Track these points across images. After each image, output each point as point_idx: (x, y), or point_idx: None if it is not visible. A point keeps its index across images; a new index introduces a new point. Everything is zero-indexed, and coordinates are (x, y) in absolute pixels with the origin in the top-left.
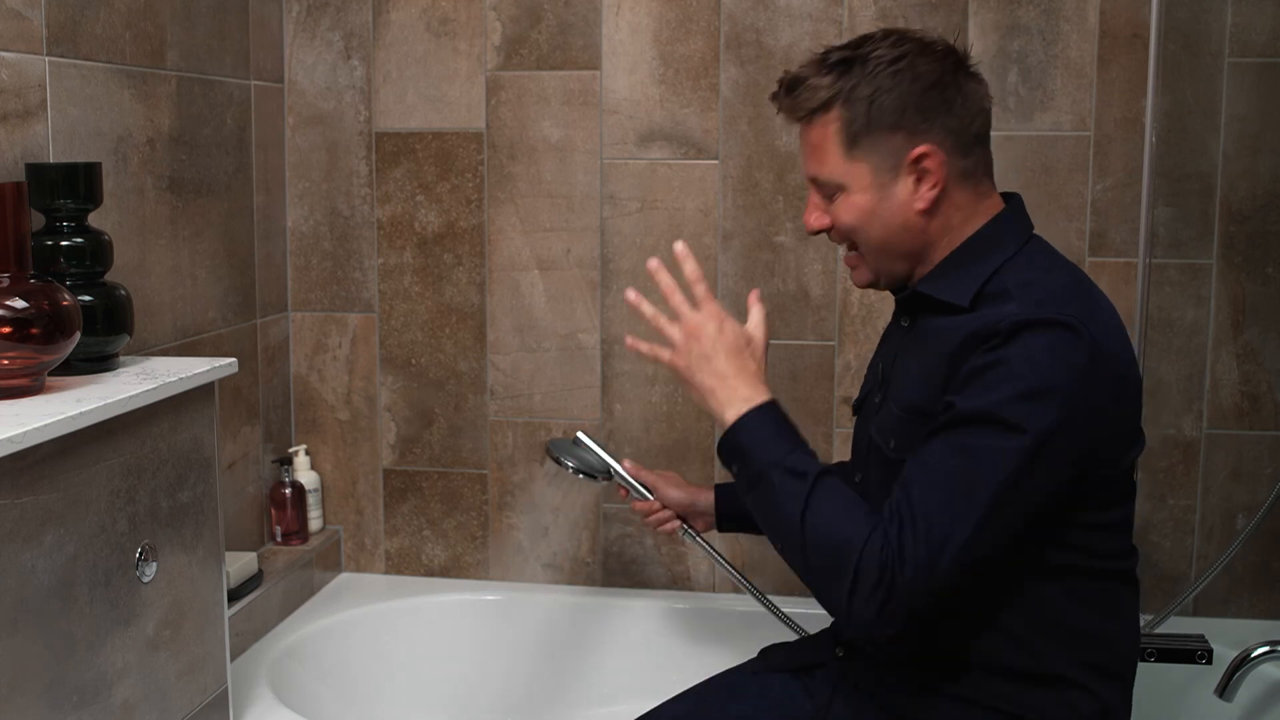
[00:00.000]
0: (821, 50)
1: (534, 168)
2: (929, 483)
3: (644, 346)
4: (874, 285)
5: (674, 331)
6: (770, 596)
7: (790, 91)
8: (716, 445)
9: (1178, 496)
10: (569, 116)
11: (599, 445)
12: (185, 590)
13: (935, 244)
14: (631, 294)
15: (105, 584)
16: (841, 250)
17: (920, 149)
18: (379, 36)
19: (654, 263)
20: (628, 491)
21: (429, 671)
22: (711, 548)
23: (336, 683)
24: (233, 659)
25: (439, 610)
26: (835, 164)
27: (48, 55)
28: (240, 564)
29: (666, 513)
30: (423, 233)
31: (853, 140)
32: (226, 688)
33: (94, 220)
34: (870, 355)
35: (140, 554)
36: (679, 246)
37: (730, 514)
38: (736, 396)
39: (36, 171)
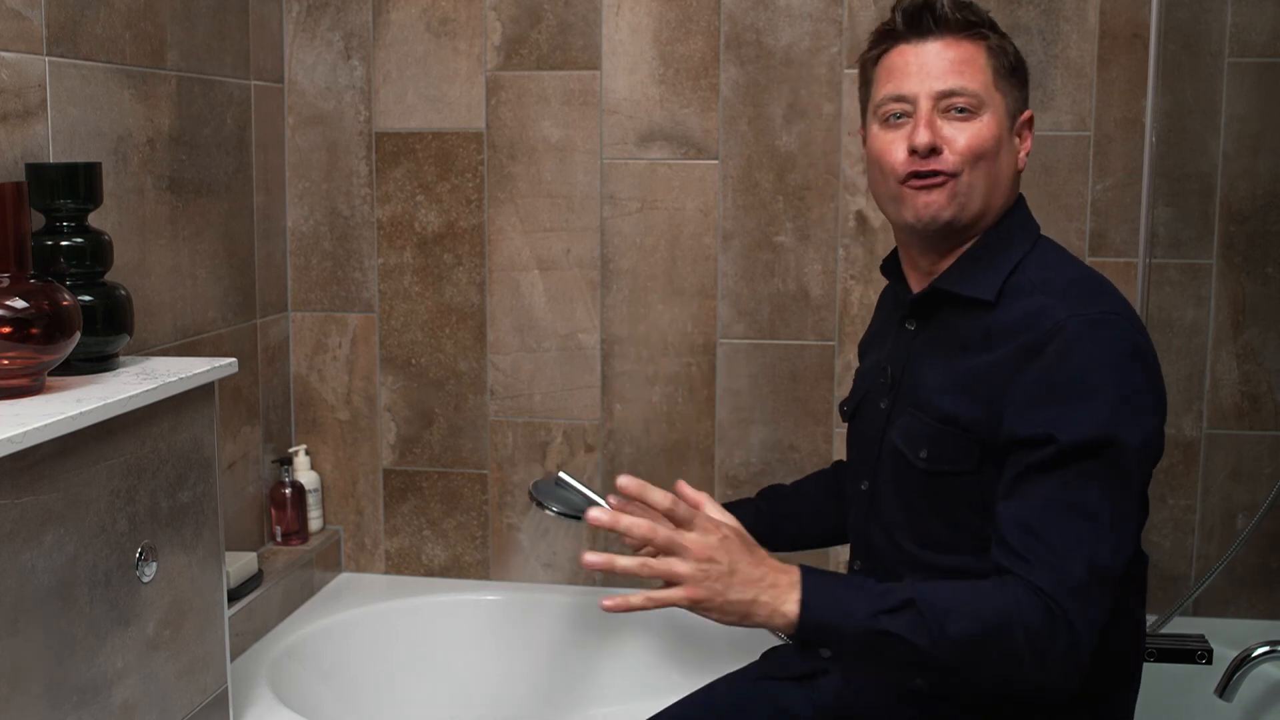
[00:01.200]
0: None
1: (534, 168)
2: (1054, 515)
3: (636, 599)
4: (940, 225)
5: (681, 567)
6: None
7: (961, 2)
8: (795, 640)
9: (1178, 496)
10: (569, 116)
11: (582, 484)
12: (185, 590)
13: (988, 216)
14: (592, 557)
15: (105, 584)
16: (882, 188)
17: (1030, 112)
18: (379, 36)
19: (614, 519)
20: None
21: (429, 671)
22: None
23: (336, 683)
24: (233, 659)
25: (439, 610)
26: (983, 83)
27: (48, 55)
28: (240, 564)
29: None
30: (423, 233)
31: (998, 72)
32: (226, 688)
33: (94, 220)
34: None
35: (140, 554)
36: (624, 481)
37: None
38: (780, 588)
39: (36, 171)
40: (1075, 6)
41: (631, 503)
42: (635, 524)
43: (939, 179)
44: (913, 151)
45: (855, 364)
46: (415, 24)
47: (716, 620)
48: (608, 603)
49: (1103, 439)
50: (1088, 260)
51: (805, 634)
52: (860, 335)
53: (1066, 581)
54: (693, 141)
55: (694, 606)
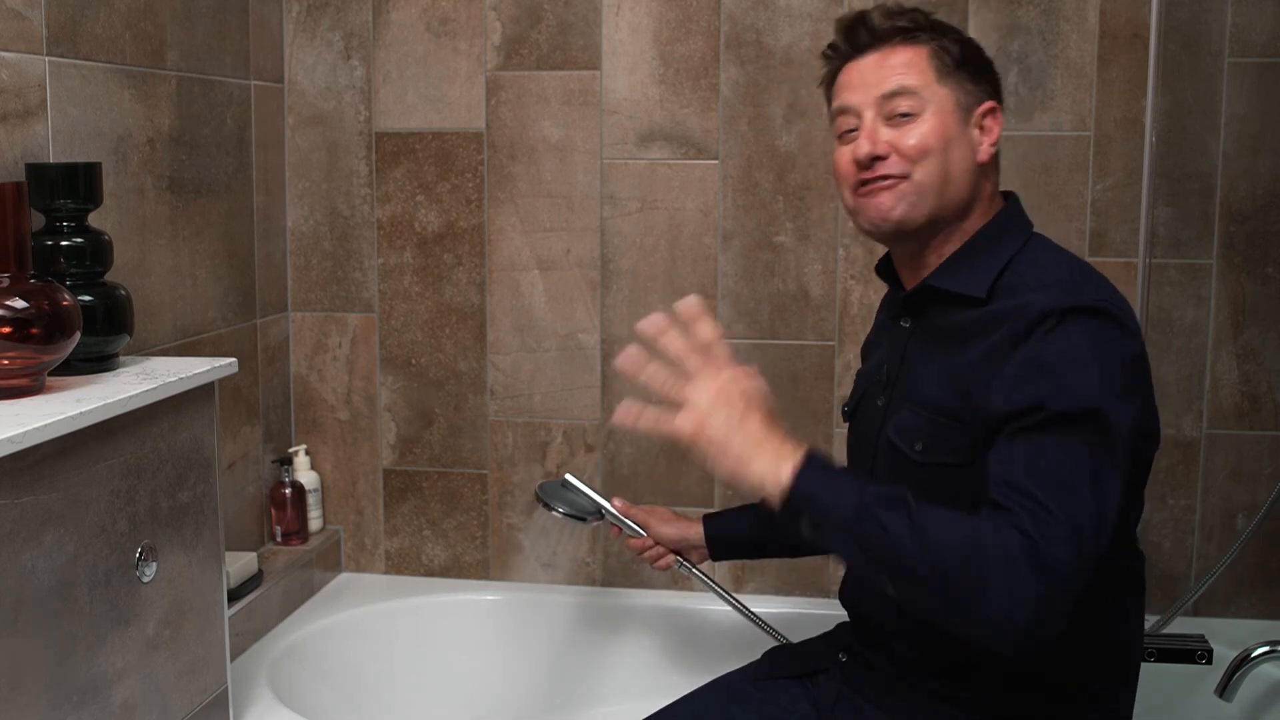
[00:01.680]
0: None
1: (534, 168)
2: (1039, 472)
3: (648, 417)
4: (892, 225)
5: (695, 395)
6: (771, 596)
7: (892, 12)
8: (781, 507)
9: (1178, 496)
10: (569, 116)
11: (588, 486)
12: (185, 590)
13: (959, 221)
14: (630, 356)
15: (105, 584)
16: (837, 197)
17: (991, 103)
18: (379, 36)
19: (654, 322)
20: (620, 530)
21: (429, 671)
22: (710, 579)
23: (336, 683)
24: (233, 659)
25: (439, 610)
26: (922, 81)
27: (48, 55)
28: (240, 564)
29: (660, 548)
30: (423, 233)
31: (942, 70)
32: (226, 688)
33: (94, 220)
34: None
35: (140, 554)
36: (689, 303)
37: (723, 543)
38: (783, 453)
39: (36, 171)
40: (1075, 6)
41: (635, 507)
42: (655, 373)
43: (887, 182)
44: (857, 163)
45: (855, 364)
46: (415, 24)
47: (715, 464)
48: (622, 412)
49: (1091, 410)
50: (1087, 261)
51: (792, 501)
52: (860, 335)
53: (1051, 532)
54: (693, 141)
55: (696, 440)
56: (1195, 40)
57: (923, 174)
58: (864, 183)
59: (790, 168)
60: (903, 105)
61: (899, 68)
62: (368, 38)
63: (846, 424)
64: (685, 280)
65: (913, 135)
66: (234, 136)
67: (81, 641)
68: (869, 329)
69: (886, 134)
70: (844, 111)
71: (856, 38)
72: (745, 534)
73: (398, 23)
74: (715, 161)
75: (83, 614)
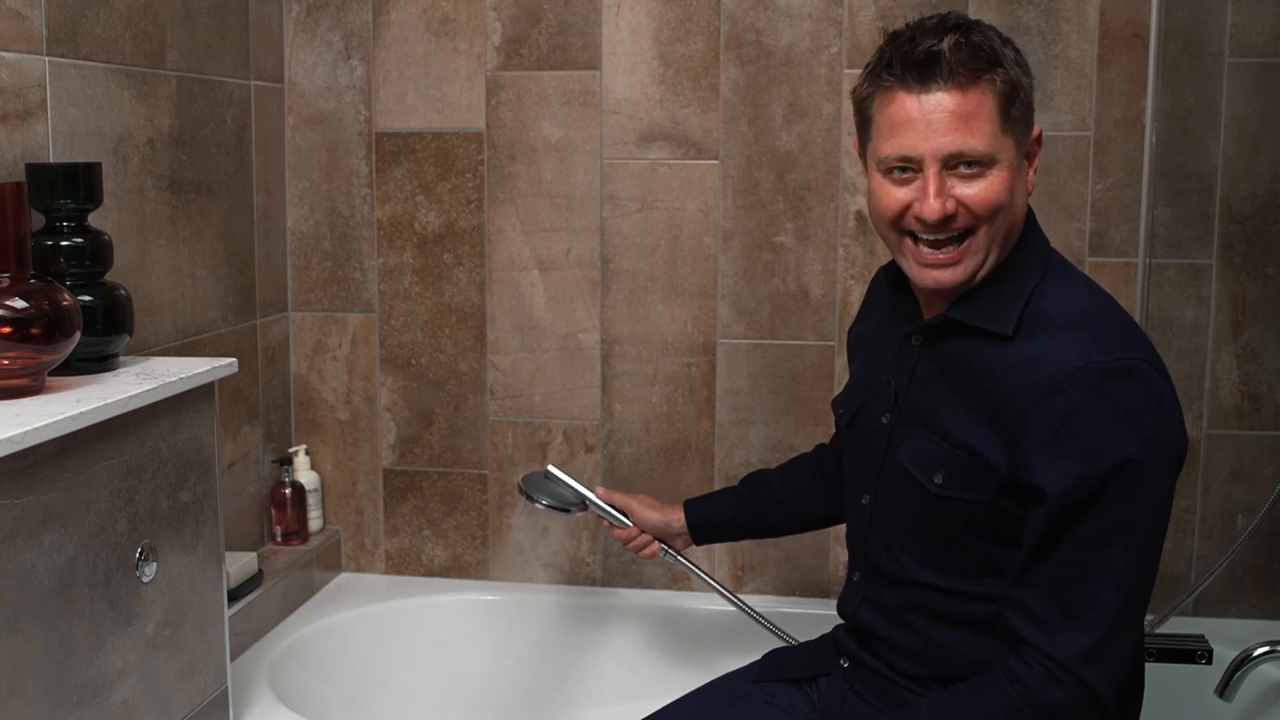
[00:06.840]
0: (920, 19)
1: (534, 168)
2: (1070, 582)
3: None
4: (952, 288)
5: None
6: (772, 596)
7: (965, 46)
8: None
9: (1178, 496)
10: (569, 116)
11: (571, 476)
12: (185, 590)
13: (1003, 253)
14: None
15: (105, 584)
16: (877, 254)
17: (1038, 128)
18: (379, 36)
19: None
20: (607, 520)
21: (429, 671)
22: (695, 565)
23: (336, 683)
24: (233, 659)
25: (439, 610)
26: (991, 135)
27: (48, 55)
28: (240, 564)
29: (645, 537)
30: (423, 233)
31: (1006, 111)
32: (226, 688)
33: (94, 220)
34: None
35: (140, 554)
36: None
37: (703, 528)
38: None
39: (36, 171)
40: (1075, 6)
41: (617, 494)
42: None
43: (956, 252)
44: (922, 221)
45: None
46: (415, 24)
47: None
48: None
49: (1112, 525)
50: (1087, 261)
51: None
52: None
53: (1083, 646)
54: (693, 141)
55: None
56: (1195, 40)
57: (990, 230)
58: (910, 235)
59: (790, 168)
60: (969, 158)
61: (965, 119)
62: (368, 38)
63: (841, 428)
64: (685, 280)
65: (981, 189)
66: (234, 136)
67: (81, 641)
68: None
69: (955, 187)
70: (902, 157)
71: (925, 74)
72: (726, 517)
73: (398, 23)
74: (715, 161)
75: (83, 614)
